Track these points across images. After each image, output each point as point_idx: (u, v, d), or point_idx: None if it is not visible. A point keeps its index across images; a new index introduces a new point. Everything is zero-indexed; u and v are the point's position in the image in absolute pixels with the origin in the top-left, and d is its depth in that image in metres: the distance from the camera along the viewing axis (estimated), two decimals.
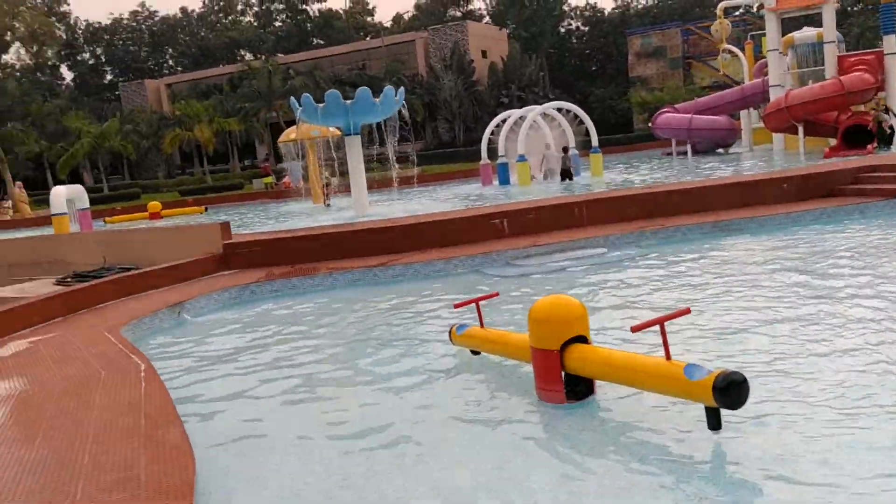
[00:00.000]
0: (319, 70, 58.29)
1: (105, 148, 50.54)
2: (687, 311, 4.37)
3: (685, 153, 27.35)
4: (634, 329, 4.19)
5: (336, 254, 11.21)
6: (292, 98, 14.97)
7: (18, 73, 79.37)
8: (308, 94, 14.54)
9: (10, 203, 33.13)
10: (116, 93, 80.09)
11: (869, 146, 17.37)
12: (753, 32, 37.43)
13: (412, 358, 6.49)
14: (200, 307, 9.37)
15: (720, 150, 26.43)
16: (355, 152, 15.17)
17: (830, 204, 11.31)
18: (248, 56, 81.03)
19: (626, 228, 11.27)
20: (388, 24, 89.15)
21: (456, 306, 5.79)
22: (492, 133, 22.51)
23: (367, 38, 79.76)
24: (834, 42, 21.93)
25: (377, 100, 14.32)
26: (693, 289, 7.99)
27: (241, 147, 60.12)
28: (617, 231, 11.16)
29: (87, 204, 18.58)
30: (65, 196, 17.36)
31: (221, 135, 52.67)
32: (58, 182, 54.10)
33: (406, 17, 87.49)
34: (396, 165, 16.42)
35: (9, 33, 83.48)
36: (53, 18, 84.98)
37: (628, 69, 57.02)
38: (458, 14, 78.67)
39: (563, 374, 4.76)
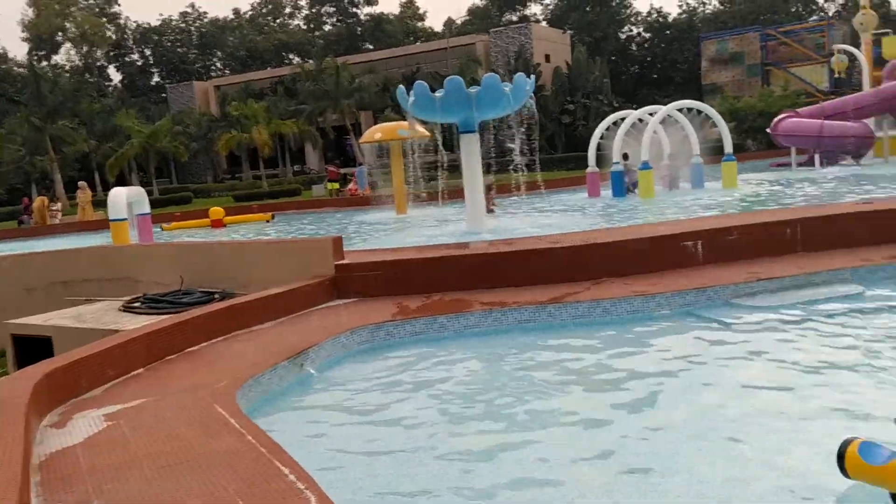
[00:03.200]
0: (374, 73, 56.18)
1: (155, 149, 48.84)
2: None
3: (804, 164, 24.39)
4: None
5: (482, 282, 8.64)
6: (401, 87, 12.53)
7: (68, 74, 78.77)
8: (423, 82, 12.06)
9: (59, 205, 31.27)
10: (163, 94, 79.01)
11: None
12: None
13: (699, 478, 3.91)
14: (326, 355, 6.86)
15: (848, 161, 23.36)
16: (473, 154, 12.64)
17: None
18: (297, 59, 79.41)
19: (865, 257, 8.53)
20: (438, 30, 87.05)
21: None
22: (601, 137, 19.90)
23: (419, 43, 77.80)
24: None
25: (507, 88, 11.78)
26: None
27: (294, 151, 58.17)
28: (849, 259, 8.43)
29: (147, 208, 16.34)
30: (125, 199, 15.09)
31: (273, 138, 50.73)
32: (105, 184, 52.69)
33: (459, 21, 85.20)
34: (524, 169, 13.83)
35: (60, 34, 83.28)
36: (104, 19, 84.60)
37: (701, 76, 53.79)
38: (515, 18, 76.20)
39: None
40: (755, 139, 38.70)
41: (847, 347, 6.17)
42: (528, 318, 7.58)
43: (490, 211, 16.71)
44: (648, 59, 71.14)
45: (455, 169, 28.26)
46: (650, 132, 17.32)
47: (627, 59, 71.86)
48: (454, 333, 7.45)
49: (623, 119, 19.28)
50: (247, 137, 44.69)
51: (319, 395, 6.05)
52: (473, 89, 11.79)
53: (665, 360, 6.30)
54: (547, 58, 56.17)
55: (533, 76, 12.43)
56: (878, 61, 28.80)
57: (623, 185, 18.01)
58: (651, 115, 19.09)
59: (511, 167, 14.00)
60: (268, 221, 22.33)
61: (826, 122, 22.69)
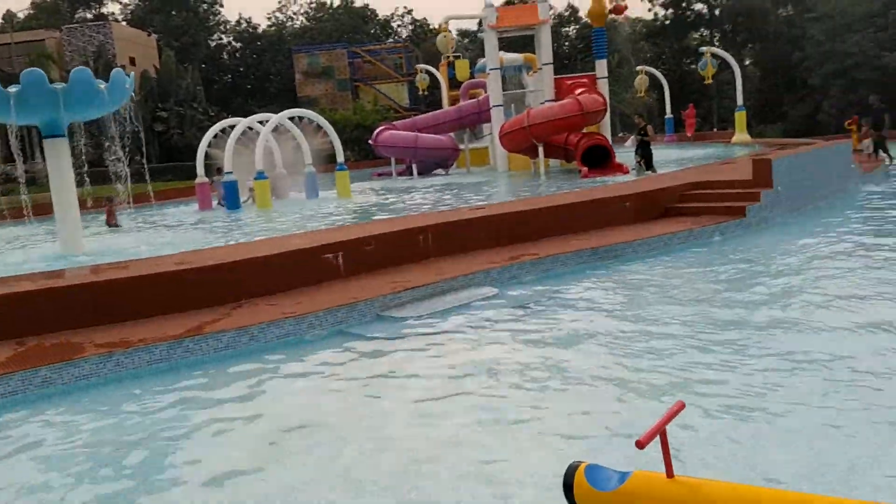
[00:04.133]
0: None
1: None
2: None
3: (402, 173, 26.02)
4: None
5: (95, 317, 7.08)
6: None
7: None
8: None
9: None
10: None
11: (625, 166, 17.59)
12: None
13: None
14: None
15: (440, 171, 25.51)
16: (61, 162, 10.48)
17: (683, 225, 10.34)
18: None
19: (490, 259, 8.99)
20: None
21: (640, 444, 2.95)
22: (209, 145, 18.47)
23: None
24: (551, 64, 22.38)
25: (103, 86, 9.95)
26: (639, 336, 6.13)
27: None
28: (478, 262, 8.83)
29: None
30: None
31: None
32: None
33: (21, 15, 74.26)
34: (126, 181, 11.71)
35: None
36: None
37: (296, 88, 54.71)
38: (90, 16, 69.07)
39: None
40: (353, 150, 40.58)
41: (495, 347, 6.25)
42: (161, 358, 6.33)
43: (113, 225, 14.72)
44: (241, 68, 70.24)
45: (34, 181, 24.18)
46: (263, 141, 16.59)
47: (219, 68, 70.05)
48: (64, 388, 5.88)
49: (232, 127, 18.25)
50: None
51: None
52: (59, 86, 9.77)
53: (326, 388, 5.69)
54: (132, 60, 51.80)
55: (132, 73, 10.79)
56: (453, 82, 32.28)
57: (237, 197, 16.97)
58: (261, 123, 18.41)
59: (118, 179, 12.01)
60: None
61: (421, 134, 24.55)
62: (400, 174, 26.18)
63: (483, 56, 25.39)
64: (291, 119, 18.41)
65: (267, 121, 18.18)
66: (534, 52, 25.51)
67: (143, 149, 13.38)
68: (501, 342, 6.41)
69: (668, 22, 53.78)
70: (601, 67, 22.28)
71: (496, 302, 7.72)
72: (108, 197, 15.41)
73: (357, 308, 7.31)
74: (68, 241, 10.77)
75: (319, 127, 18.77)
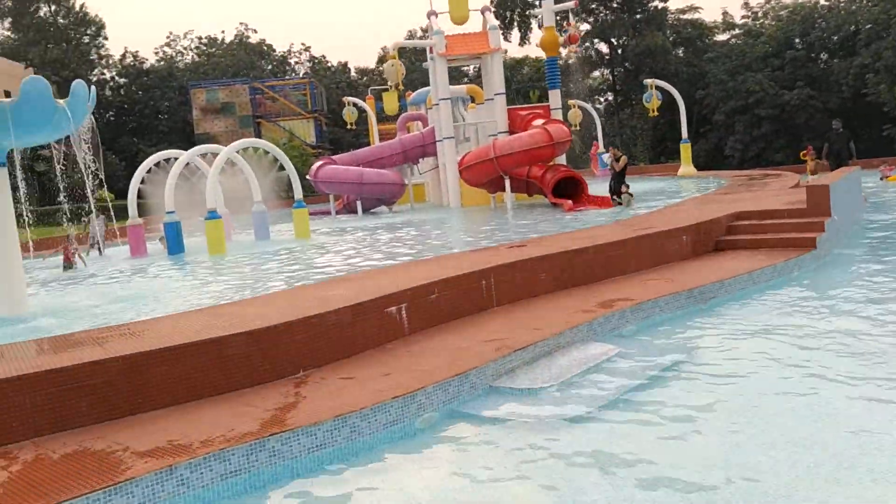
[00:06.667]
0: None
1: None
2: None
3: (341, 211, 24.05)
4: None
5: (91, 416, 5.02)
6: None
7: None
8: None
9: None
10: None
11: (608, 199, 16.51)
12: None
13: None
14: None
15: (383, 209, 23.63)
16: (2, 198, 8.16)
17: (757, 260, 9.19)
18: None
19: (579, 307, 7.44)
20: None
21: None
22: (142, 182, 15.87)
23: None
24: (503, 94, 21.19)
25: (61, 101, 7.73)
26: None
27: None
28: (569, 312, 7.27)
29: None
30: None
31: None
32: None
33: None
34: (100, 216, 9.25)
35: None
36: None
37: (194, 125, 51.33)
38: None
39: None
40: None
41: (671, 429, 4.72)
42: (237, 469, 4.39)
43: (71, 266, 12.55)
44: (126, 105, 65.90)
45: None
46: (215, 176, 14.28)
47: (102, 105, 65.40)
48: None
49: (167, 160, 15.83)
50: None
51: None
52: (6, 100, 7.52)
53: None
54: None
55: (94, 86, 8.56)
56: (381, 116, 30.74)
57: (181, 239, 14.52)
58: (204, 156, 16.11)
59: (63, 214, 9.59)
60: None
61: (366, 169, 22.70)
62: (339, 212, 24.17)
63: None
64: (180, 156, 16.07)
65: (211, 153, 15.91)
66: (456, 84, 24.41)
67: (101, 176, 10.98)
68: (669, 426, 4.84)
69: (570, 61, 54.59)
70: (555, 98, 21.35)
71: (625, 363, 6.16)
72: (67, 236, 13.27)
73: (468, 379, 5.57)
74: (10, 303, 8.33)
75: (276, 160, 16.64)
